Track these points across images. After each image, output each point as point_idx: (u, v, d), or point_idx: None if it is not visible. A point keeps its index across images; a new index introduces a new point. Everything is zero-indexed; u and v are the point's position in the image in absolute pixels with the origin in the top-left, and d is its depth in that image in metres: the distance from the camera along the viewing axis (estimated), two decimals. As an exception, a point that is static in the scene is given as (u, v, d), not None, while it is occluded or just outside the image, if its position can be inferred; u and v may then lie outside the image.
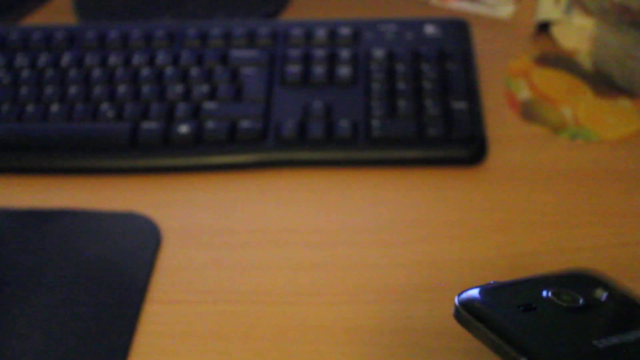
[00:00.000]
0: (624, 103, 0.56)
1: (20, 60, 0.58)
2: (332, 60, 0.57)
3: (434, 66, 0.55)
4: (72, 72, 0.56)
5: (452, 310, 0.36)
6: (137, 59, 0.57)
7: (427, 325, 0.44)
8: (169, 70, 0.56)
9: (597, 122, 0.55)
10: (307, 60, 0.57)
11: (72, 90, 0.55)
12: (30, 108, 0.54)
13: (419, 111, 0.53)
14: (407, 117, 0.53)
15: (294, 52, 0.57)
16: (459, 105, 0.53)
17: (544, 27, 0.61)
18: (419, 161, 0.52)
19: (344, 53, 0.57)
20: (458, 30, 0.59)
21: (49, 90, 0.55)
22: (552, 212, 0.49)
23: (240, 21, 0.60)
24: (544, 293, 0.37)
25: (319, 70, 0.56)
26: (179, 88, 0.55)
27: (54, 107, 0.54)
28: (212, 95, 0.55)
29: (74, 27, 0.61)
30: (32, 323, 0.44)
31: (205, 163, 0.52)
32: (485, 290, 0.37)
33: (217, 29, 0.59)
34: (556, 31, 0.60)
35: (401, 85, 0.54)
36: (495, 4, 0.64)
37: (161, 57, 0.57)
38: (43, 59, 0.57)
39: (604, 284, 0.39)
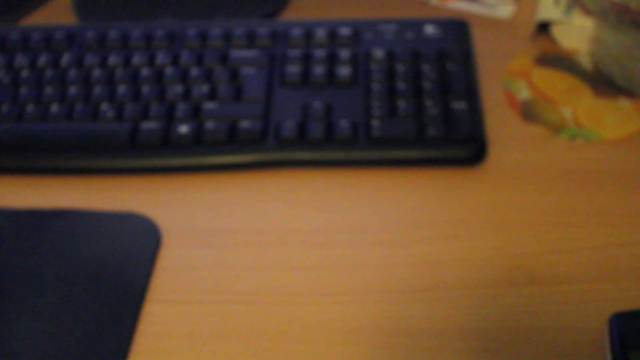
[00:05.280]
0: (624, 103, 0.56)
1: (20, 60, 0.58)
2: (332, 60, 0.57)
3: (434, 66, 0.55)
4: (72, 72, 0.56)
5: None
6: (137, 59, 0.57)
7: (427, 325, 0.44)
8: (168, 70, 0.56)
9: (597, 122, 0.55)
10: (307, 60, 0.57)
11: (72, 90, 0.55)
12: (30, 108, 0.54)
13: (419, 111, 0.53)
14: (407, 117, 0.53)
15: (294, 52, 0.57)
16: (459, 105, 0.53)
17: (544, 27, 0.61)
18: (419, 161, 0.52)
19: (344, 53, 0.57)
20: (458, 30, 0.59)
21: (49, 90, 0.55)
22: (552, 212, 0.49)
23: (240, 21, 0.60)
24: None
25: (318, 70, 0.56)
26: (178, 88, 0.55)
27: (54, 107, 0.54)
28: (212, 95, 0.55)
29: (74, 27, 0.61)
30: (32, 323, 0.44)
31: (205, 163, 0.52)
32: None
33: (217, 29, 0.59)
34: (556, 31, 0.60)
35: (401, 85, 0.54)
36: (495, 4, 0.64)
37: (161, 57, 0.57)
38: (43, 59, 0.57)
39: None
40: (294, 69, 0.56)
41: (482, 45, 0.60)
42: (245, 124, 0.53)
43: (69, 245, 0.49)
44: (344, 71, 0.56)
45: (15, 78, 0.56)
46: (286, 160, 0.52)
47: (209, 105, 0.54)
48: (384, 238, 0.48)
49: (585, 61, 0.59)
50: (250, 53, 0.57)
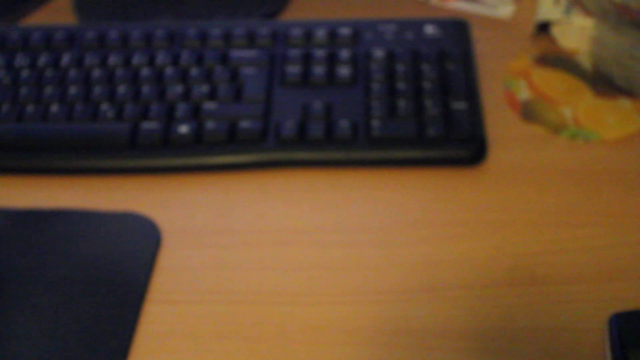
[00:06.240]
0: (624, 103, 0.56)
1: (20, 60, 0.58)
2: (332, 60, 0.57)
3: (434, 66, 0.55)
4: (72, 72, 0.56)
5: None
6: (137, 59, 0.57)
7: (427, 325, 0.44)
8: (169, 71, 0.56)
9: (597, 122, 0.55)
10: (307, 60, 0.57)
11: (72, 90, 0.55)
12: (30, 108, 0.54)
13: (419, 111, 0.53)
14: (407, 117, 0.53)
15: (294, 52, 0.57)
16: (459, 105, 0.53)
17: (544, 27, 0.61)
18: (419, 161, 0.52)
19: (344, 53, 0.57)
20: (458, 30, 0.59)
21: (49, 90, 0.55)
22: (552, 212, 0.49)
23: (240, 21, 0.60)
24: None
25: (319, 70, 0.56)
26: (179, 88, 0.55)
27: (54, 107, 0.54)
28: (212, 95, 0.55)
29: (74, 27, 0.61)
30: (32, 323, 0.44)
31: (205, 163, 0.52)
32: None
33: (217, 29, 0.59)
34: (556, 31, 0.60)
35: (401, 85, 0.54)
36: (495, 4, 0.64)
37: (161, 57, 0.57)
38: (43, 59, 0.57)
39: None
40: (294, 69, 0.56)
41: (482, 46, 0.60)
42: (245, 124, 0.53)
43: (69, 245, 0.49)
44: (344, 71, 0.56)
45: (15, 78, 0.56)
46: (286, 160, 0.52)
47: (209, 105, 0.54)
48: (384, 238, 0.48)
49: (585, 61, 0.59)
50: (250, 53, 0.57)
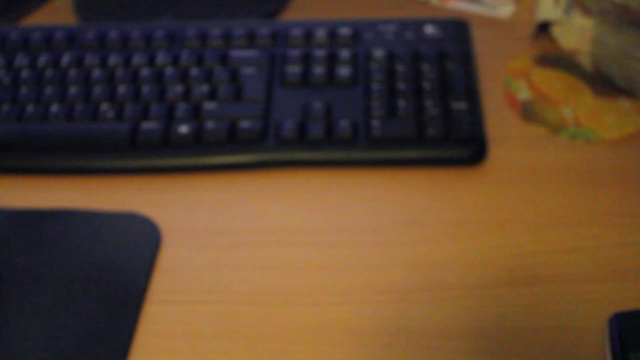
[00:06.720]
0: (624, 103, 0.56)
1: (20, 60, 0.58)
2: (332, 60, 0.57)
3: (434, 66, 0.55)
4: (72, 72, 0.56)
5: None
6: (137, 59, 0.57)
7: (427, 325, 0.44)
8: (168, 71, 0.56)
9: (597, 122, 0.55)
10: (307, 60, 0.57)
11: (72, 90, 0.55)
12: (30, 108, 0.54)
13: (419, 111, 0.53)
14: (407, 117, 0.53)
15: (294, 52, 0.57)
16: (459, 105, 0.53)
17: (544, 27, 0.61)
18: (419, 161, 0.52)
19: (344, 53, 0.57)
20: (458, 30, 0.59)
21: (49, 90, 0.55)
22: (552, 212, 0.49)
23: (240, 21, 0.60)
24: None
25: (318, 70, 0.56)
26: (179, 88, 0.55)
27: (54, 107, 0.54)
28: (212, 95, 0.55)
29: (74, 27, 0.61)
30: (32, 323, 0.44)
31: (205, 163, 0.52)
32: None
33: (217, 29, 0.59)
34: (556, 31, 0.60)
35: (401, 86, 0.54)
36: (495, 4, 0.64)
37: (161, 57, 0.57)
38: (43, 59, 0.57)
39: None
40: (294, 69, 0.56)
41: (482, 46, 0.60)
42: (245, 124, 0.53)
43: (69, 245, 0.49)
44: (344, 71, 0.56)
45: (15, 78, 0.56)
46: (286, 160, 0.52)
47: (209, 106, 0.54)
48: (384, 238, 0.48)
49: (585, 61, 0.59)
50: (250, 53, 0.57)
